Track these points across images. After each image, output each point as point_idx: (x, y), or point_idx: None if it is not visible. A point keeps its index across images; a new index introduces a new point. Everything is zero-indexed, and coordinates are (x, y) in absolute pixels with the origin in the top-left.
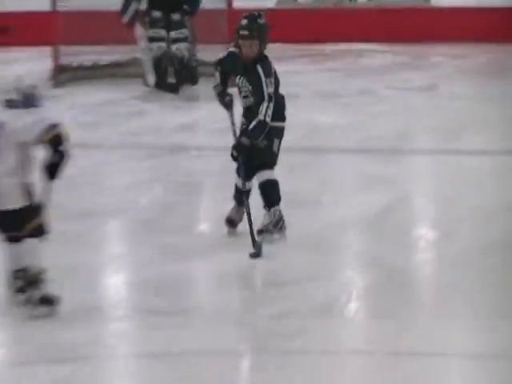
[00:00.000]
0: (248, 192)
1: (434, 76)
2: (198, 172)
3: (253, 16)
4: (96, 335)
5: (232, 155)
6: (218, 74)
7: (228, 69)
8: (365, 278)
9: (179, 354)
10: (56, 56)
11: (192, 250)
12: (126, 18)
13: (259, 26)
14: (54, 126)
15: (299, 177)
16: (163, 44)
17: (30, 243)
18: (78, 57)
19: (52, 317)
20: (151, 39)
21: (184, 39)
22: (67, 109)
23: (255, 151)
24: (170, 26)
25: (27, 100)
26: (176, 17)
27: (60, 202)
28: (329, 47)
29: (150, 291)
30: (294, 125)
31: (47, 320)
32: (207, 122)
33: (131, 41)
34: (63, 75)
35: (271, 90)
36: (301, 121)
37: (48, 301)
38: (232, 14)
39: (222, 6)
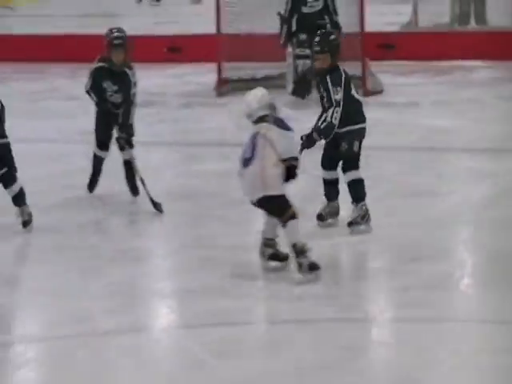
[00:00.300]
0: (335, 182)
1: None
2: None
3: (324, 33)
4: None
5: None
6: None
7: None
8: (474, 258)
9: (323, 320)
10: (219, 71)
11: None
12: (282, 40)
13: (329, 42)
14: (295, 159)
15: (419, 172)
16: (308, 61)
17: (292, 224)
18: (237, 71)
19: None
20: (298, 57)
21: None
22: (228, 114)
23: (339, 154)
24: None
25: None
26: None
27: (222, 190)
28: (444, 64)
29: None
30: (414, 128)
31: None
32: None
33: (281, 58)
34: (225, 87)
35: (338, 96)
36: (420, 124)
37: (315, 267)
38: (365, 36)
39: (357, 29)
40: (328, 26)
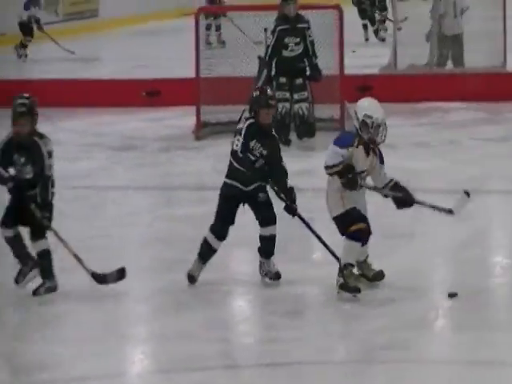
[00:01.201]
0: None
1: (509, 129)
2: (315, 210)
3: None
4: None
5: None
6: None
7: None
8: (448, 298)
9: (296, 363)
10: (198, 114)
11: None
12: (260, 83)
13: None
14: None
15: (395, 213)
16: (287, 104)
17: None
18: (215, 115)
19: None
20: (277, 100)
21: (305, 100)
22: (207, 157)
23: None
24: (293, 88)
25: None
26: (299, 81)
27: (200, 234)
28: (421, 105)
29: (268, 310)
30: (391, 169)
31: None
32: (322, 168)
33: None
34: (204, 130)
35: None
36: (397, 166)
37: (351, 289)
38: (343, 79)
39: (336, 72)
40: (307, 69)
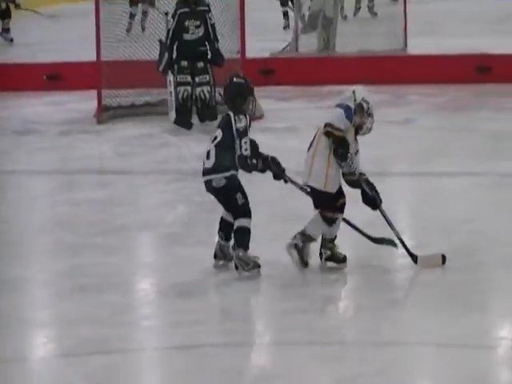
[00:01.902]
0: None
1: (410, 111)
2: None
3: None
4: (127, 331)
5: None
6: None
7: None
8: (355, 277)
9: (203, 346)
10: (99, 98)
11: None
12: (161, 67)
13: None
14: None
15: (297, 197)
16: (188, 88)
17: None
18: (117, 98)
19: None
20: (179, 84)
21: (207, 83)
22: (108, 141)
23: None
24: (194, 72)
25: None
26: (200, 64)
27: (101, 218)
28: (323, 88)
29: (171, 293)
30: (295, 153)
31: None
32: None
33: (161, 85)
34: (105, 114)
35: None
36: (299, 150)
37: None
38: (245, 62)
39: (237, 56)
40: (209, 52)
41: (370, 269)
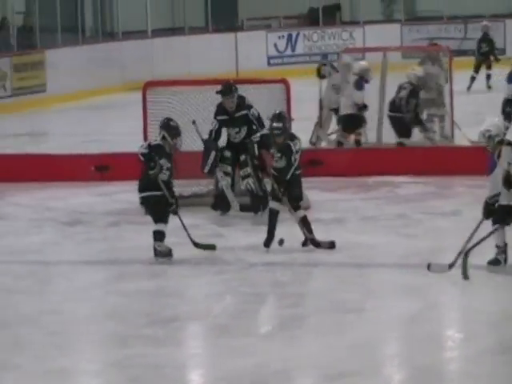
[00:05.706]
0: None
1: (458, 203)
2: (265, 284)
3: None
4: None
5: None
6: None
7: None
8: (400, 373)
9: None
10: None
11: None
12: (206, 169)
13: None
14: None
15: (346, 288)
16: (228, 178)
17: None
18: None
19: None
20: (224, 173)
21: (248, 175)
22: None
23: None
24: (237, 164)
25: None
26: (243, 157)
27: (151, 308)
28: (371, 179)
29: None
30: (341, 244)
31: None
32: (273, 242)
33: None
34: None
35: None
36: (348, 241)
37: None
38: None
39: None
40: (255, 145)
41: None
